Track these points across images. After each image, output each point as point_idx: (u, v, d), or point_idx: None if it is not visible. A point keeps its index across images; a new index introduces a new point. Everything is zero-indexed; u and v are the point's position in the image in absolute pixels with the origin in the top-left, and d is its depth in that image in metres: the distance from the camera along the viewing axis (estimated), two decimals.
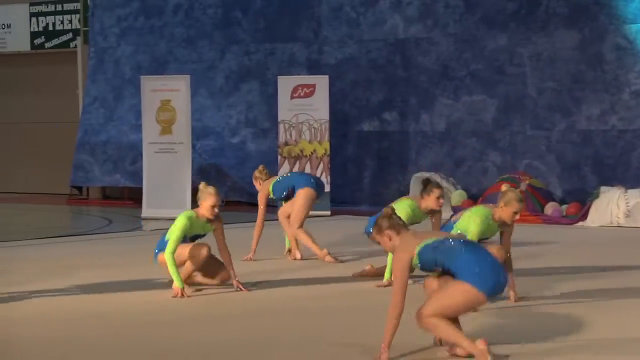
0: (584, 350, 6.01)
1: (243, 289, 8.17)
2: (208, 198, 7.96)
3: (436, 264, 5.64)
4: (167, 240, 8.04)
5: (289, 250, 10.27)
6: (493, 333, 6.31)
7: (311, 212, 10.39)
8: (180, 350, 6.08)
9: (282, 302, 7.81)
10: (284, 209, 10.14)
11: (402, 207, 8.22)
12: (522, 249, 10.19)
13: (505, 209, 7.39)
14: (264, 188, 10.18)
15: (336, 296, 8.06)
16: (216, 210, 7.99)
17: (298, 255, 10.05)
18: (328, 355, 5.91)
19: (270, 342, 6.30)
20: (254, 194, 10.62)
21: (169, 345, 6.20)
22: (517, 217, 7.42)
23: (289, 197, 10.14)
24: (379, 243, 5.90)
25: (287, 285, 8.57)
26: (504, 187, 7.52)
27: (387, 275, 8.30)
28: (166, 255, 7.91)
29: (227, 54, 17.41)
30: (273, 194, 10.16)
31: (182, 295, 7.85)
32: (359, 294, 8.03)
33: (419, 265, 5.68)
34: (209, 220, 8.06)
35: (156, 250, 8.31)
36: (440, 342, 6.00)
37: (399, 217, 5.85)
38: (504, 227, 7.57)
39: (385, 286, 8.08)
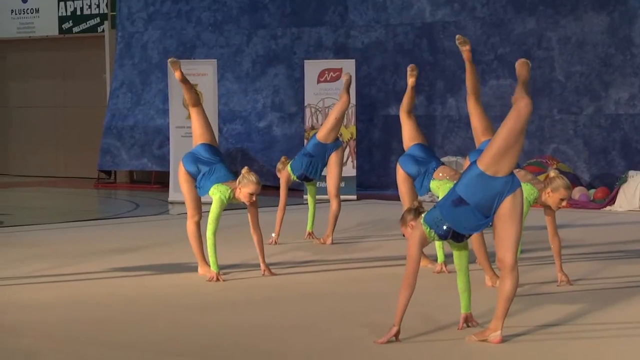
0: (616, 334, 6.00)
1: (270, 272, 8.20)
2: (248, 185, 7.93)
3: (440, 218, 5.74)
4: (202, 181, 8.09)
5: (310, 234, 10.29)
6: (531, 315, 6.31)
7: None
8: (206, 335, 6.11)
9: (307, 287, 7.83)
10: (331, 183, 10.14)
11: (445, 189, 8.31)
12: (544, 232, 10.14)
13: (552, 195, 7.40)
14: (284, 172, 10.22)
15: (362, 280, 8.07)
16: (254, 198, 7.99)
17: (329, 241, 10.05)
18: (349, 340, 5.92)
19: (293, 327, 6.32)
20: None
21: (195, 331, 6.23)
22: (564, 204, 7.44)
23: (309, 170, 10.10)
24: (404, 235, 5.98)
25: (312, 269, 8.59)
26: (552, 173, 7.51)
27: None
28: (208, 237, 7.93)
29: (253, 38, 17.41)
30: (294, 173, 10.17)
31: (218, 279, 7.88)
32: (388, 279, 8.04)
33: (432, 233, 5.73)
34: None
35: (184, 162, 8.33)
36: (467, 324, 6.03)
37: (423, 209, 5.94)
38: (547, 211, 7.59)
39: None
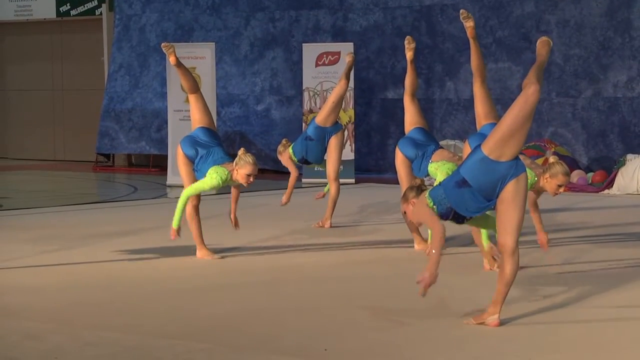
0: (614, 317, 6.02)
1: (237, 225, 8.55)
2: (245, 166, 7.92)
3: (444, 197, 5.78)
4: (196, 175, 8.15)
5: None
6: (529, 298, 6.33)
7: None
8: (204, 318, 6.13)
9: (306, 270, 7.84)
10: (331, 167, 10.15)
11: (443, 170, 8.33)
12: (548, 216, 10.16)
13: (550, 181, 7.41)
14: (285, 153, 10.19)
15: (361, 263, 8.08)
16: (252, 179, 7.99)
17: (327, 224, 10.06)
18: (348, 323, 5.94)
19: (292, 309, 6.34)
20: (279, 161, 10.64)
21: (193, 314, 6.25)
22: (562, 190, 7.44)
23: (309, 154, 10.11)
24: (404, 213, 5.97)
25: (311, 253, 8.60)
26: (551, 159, 7.53)
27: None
28: (181, 197, 8.00)
29: (252, 21, 17.37)
30: (295, 156, 10.17)
31: (176, 235, 7.95)
32: (387, 262, 8.05)
33: (435, 209, 5.79)
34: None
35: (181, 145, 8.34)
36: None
37: (425, 187, 5.94)
38: (534, 191, 7.64)
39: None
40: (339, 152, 10.17)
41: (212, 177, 7.98)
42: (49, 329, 5.79)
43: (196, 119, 8.36)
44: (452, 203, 5.76)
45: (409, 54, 8.91)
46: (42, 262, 8.06)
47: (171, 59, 8.55)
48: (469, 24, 8.07)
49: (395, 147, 8.91)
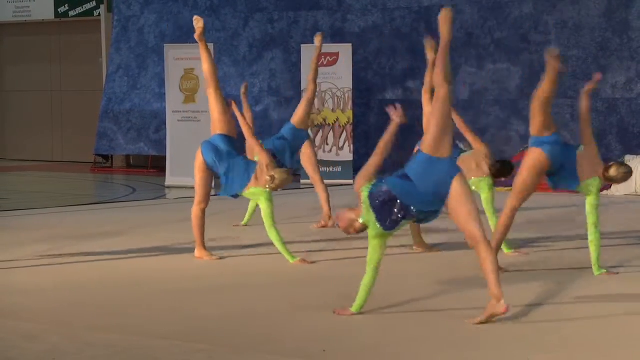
0: (615, 313, 6.03)
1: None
2: (262, 176, 8.06)
3: (382, 182, 6.13)
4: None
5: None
6: (531, 295, 6.34)
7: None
8: (202, 319, 6.12)
9: (305, 270, 7.84)
10: (314, 172, 10.26)
11: (484, 186, 8.51)
12: (546, 214, 10.16)
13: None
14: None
15: (360, 264, 8.08)
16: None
17: (330, 223, 10.08)
18: (347, 323, 5.94)
19: (291, 310, 6.34)
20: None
21: (191, 314, 6.25)
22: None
23: (280, 154, 10.16)
24: None
25: (309, 253, 8.61)
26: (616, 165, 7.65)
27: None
28: (270, 232, 7.92)
29: (250, 22, 17.38)
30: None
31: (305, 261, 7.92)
32: (385, 262, 8.04)
33: (368, 186, 6.14)
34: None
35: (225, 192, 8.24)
36: None
37: None
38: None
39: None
40: (315, 156, 10.44)
41: (262, 200, 7.96)
42: (47, 330, 5.78)
43: (215, 119, 8.37)
44: (394, 190, 5.95)
45: (431, 55, 9.32)
46: (40, 263, 8.06)
47: (197, 31, 8.48)
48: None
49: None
